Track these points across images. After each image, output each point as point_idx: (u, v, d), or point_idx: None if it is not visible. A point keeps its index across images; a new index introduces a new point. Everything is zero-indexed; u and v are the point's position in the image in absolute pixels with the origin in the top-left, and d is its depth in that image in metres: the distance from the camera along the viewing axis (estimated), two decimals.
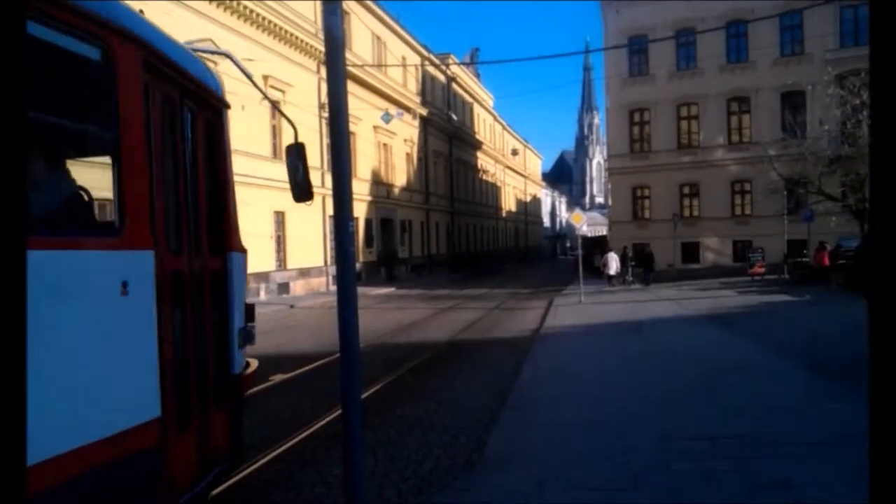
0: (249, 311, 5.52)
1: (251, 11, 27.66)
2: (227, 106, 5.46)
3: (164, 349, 3.96)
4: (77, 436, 3.18)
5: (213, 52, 8.28)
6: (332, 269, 29.14)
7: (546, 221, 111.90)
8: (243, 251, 5.54)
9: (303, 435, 7.64)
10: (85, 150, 4.06)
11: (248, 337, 5.44)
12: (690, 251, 41.19)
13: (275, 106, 9.20)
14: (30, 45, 2.78)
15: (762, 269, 32.03)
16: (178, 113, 4.51)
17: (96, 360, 3.41)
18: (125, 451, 3.51)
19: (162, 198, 4.17)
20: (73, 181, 3.82)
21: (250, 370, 5.52)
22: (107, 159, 3.72)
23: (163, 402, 3.87)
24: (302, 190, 5.35)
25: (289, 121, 5.86)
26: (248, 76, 5.96)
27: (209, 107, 5.05)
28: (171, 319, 4.19)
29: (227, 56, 6.39)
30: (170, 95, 4.39)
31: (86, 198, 3.85)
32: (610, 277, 32.82)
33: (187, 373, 4.43)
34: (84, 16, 3.41)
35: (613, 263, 32.68)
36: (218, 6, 25.83)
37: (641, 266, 34.39)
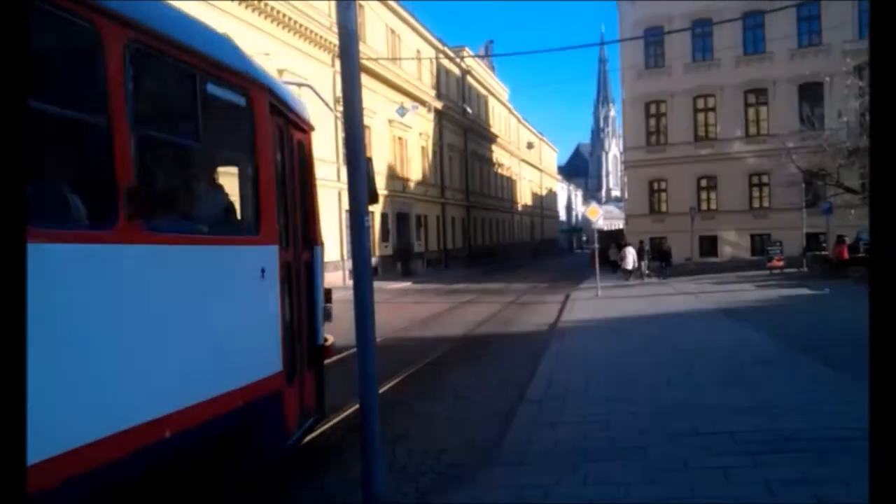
0: (327, 294, 6.75)
1: (266, 5, 27.71)
2: (313, 129, 6.95)
3: (283, 320, 5.26)
4: (245, 376, 4.63)
5: (299, 84, 10.59)
6: (349, 264, 29.21)
7: (562, 215, 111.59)
8: (322, 245, 6.86)
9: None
10: (237, 172, 5.29)
11: (327, 314, 6.73)
12: (708, 245, 40.94)
13: (332, 110, 12.07)
14: (206, 97, 4.40)
15: (780, 263, 31.78)
16: (286, 139, 5.85)
17: (250, 324, 4.86)
18: (267, 390, 4.95)
19: (279, 205, 5.40)
20: (228, 196, 5.07)
21: (329, 342, 6.78)
22: (246, 176, 5.12)
23: (282, 359, 5.20)
24: (369, 194, 6.00)
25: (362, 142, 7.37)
26: (327, 104, 8.54)
27: (303, 131, 6.49)
28: (285, 298, 5.41)
29: (310, 87, 9.16)
30: (281, 126, 5.67)
31: (237, 208, 5.11)
32: (627, 271, 32.74)
33: (294, 339, 5.77)
34: (237, 75, 4.80)
35: (630, 257, 32.63)
36: (234, 0, 25.90)
37: (659, 260, 34.30)
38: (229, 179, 5.15)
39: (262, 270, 4.91)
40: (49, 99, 3.24)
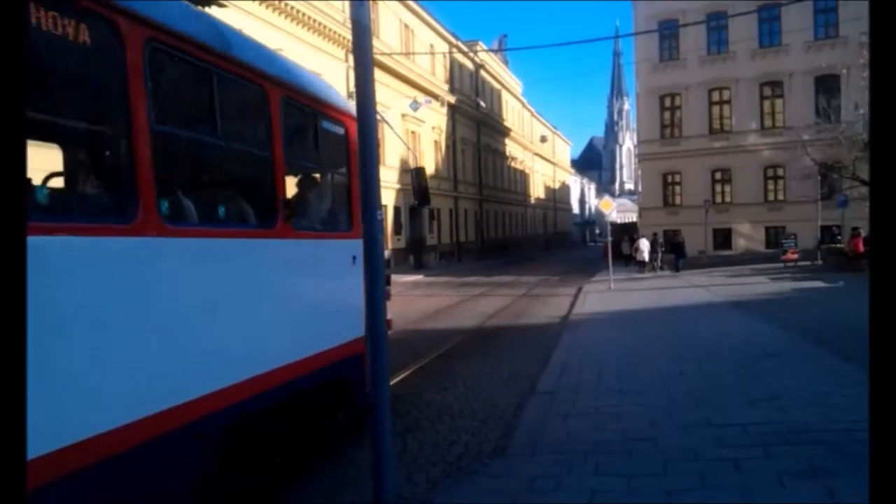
0: (387, 278, 7.80)
1: (281, 2, 27.78)
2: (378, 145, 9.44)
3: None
4: (345, 335, 6.43)
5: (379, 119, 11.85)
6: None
7: (575, 208, 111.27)
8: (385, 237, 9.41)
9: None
10: (336, 183, 6.98)
11: (387, 295, 7.82)
12: (722, 238, 40.78)
13: (405, 143, 14.37)
14: (325, 133, 6.29)
15: (795, 256, 31.59)
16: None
17: (347, 297, 6.46)
18: (356, 350, 6.57)
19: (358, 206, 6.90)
20: (332, 201, 6.82)
21: (390, 317, 7.80)
22: (342, 186, 6.91)
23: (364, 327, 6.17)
24: (423, 198, 8.51)
25: (415, 154, 11.21)
26: (397, 134, 11.87)
27: None
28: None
29: (383, 120, 10.64)
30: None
31: (340, 214, 6.82)
32: (641, 264, 32.75)
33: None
34: (341, 111, 6.68)
35: (645, 249, 32.68)
36: None
37: (673, 253, 34.24)
38: (331, 188, 6.97)
39: (353, 258, 6.52)
40: (244, 143, 5.35)
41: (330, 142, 6.69)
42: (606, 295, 22.23)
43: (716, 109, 42.01)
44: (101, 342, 3.47)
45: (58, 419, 3.13)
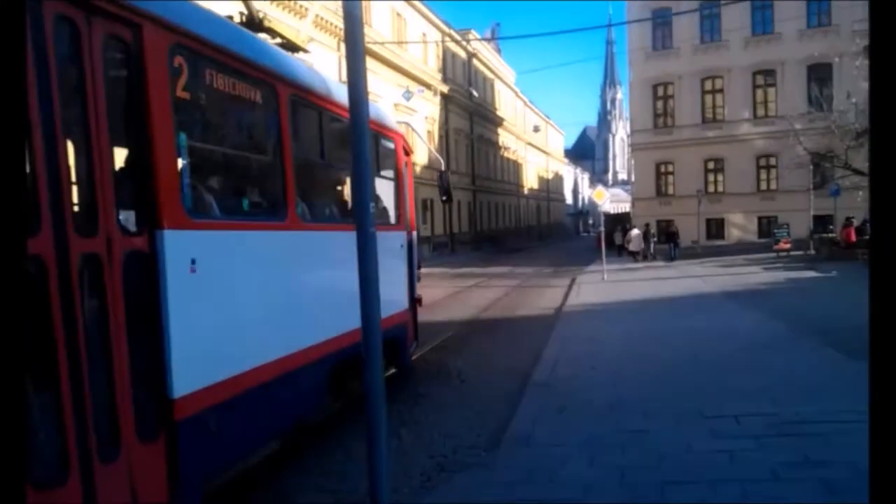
0: (419, 263, 10.38)
1: None
2: (412, 153, 11.34)
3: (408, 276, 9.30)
4: (401, 305, 8.98)
5: (404, 123, 14.01)
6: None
7: (568, 198, 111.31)
8: (415, 229, 10.67)
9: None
10: (390, 188, 9.03)
11: (419, 277, 10.34)
12: (715, 227, 40.85)
13: (431, 148, 15.84)
14: (386, 150, 8.82)
15: (788, 245, 31.68)
16: (406, 163, 9.82)
17: (401, 275, 9.08)
18: (406, 317, 9.28)
19: (405, 204, 9.33)
20: (385, 202, 8.77)
21: (419, 295, 10.38)
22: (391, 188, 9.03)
23: (410, 300, 9.60)
24: (448, 196, 11.14)
25: (440, 157, 14.49)
26: (422, 139, 20.83)
27: (407, 153, 10.07)
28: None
29: (408, 125, 13.76)
30: (404, 153, 9.62)
31: (390, 210, 8.88)
32: (633, 254, 32.88)
33: (412, 290, 9.82)
34: (393, 131, 9.00)
35: (636, 239, 32.88)
36: None
37: (667, 242, 34.40)
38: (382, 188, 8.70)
39: (402, 246, 9.17)
40: (343, 165, 7.18)
41: (385, 153, 8.89)
42: (600, 286, 22.26)
43: (709, 98, 41.98)
44: (288, 299, 5.86)
45: (266, 344, 5.42)
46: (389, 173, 8.92)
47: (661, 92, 42.93)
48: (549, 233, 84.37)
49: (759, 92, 40.68)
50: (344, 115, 6.08)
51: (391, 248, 8.54)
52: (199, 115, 5.13)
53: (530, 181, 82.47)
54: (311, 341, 6.15)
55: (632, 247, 34.10)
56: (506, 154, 70.11)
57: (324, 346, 6.38)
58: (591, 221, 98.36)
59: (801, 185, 33.20)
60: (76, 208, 3.74)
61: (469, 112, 56.66)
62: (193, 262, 4.41)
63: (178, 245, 4.27)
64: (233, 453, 5.18)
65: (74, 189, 3.74)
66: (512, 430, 6.74)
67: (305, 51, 8.29)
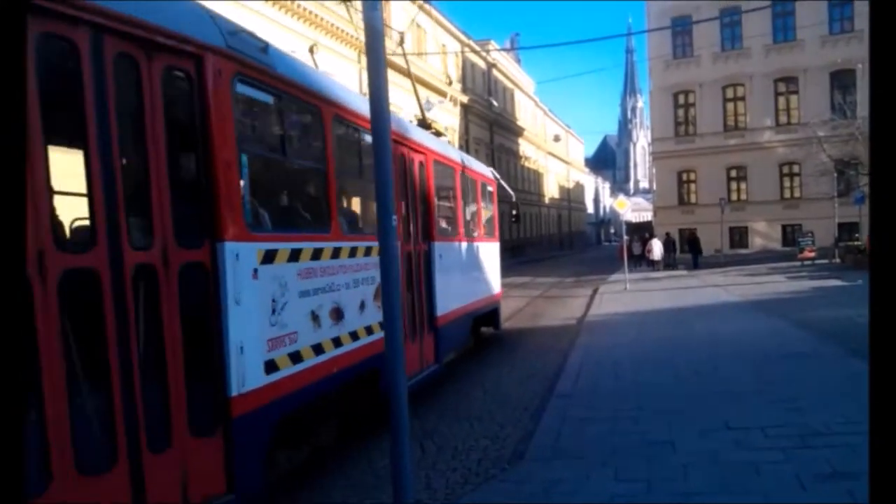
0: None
1: (291, 2, 27.85)
2: (496, 181, 15.08)
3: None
4: (495, 289, 13.97)
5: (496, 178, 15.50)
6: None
7: (590, 207, 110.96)
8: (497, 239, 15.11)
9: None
10: (492, 215, 14.31)
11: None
12: (738, 236, 40.54)
13: (503, 183, 16.14)
14: (485, 190, 13.75)
15: (812, 254, 31.34)
16: (486, 189, 14.22)
17: (496, 270, 14.11)
18: (498, 298, 14.33)
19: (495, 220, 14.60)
20: (491, 224, 14.21)
21: (501, 290, 14.69)
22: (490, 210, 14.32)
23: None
24: (517, 219, 17.23)
25: (508, 189, 17.42)
26: (507, 188, 16.75)
27: (488, 181, 14.37)
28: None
29: (496, 177, 14.98)
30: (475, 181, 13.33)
31: (495, 230, 14.60)
32: (653, 262, 32.83)
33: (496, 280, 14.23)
34: (491, 179, 14.35)
35: (657, 248, 32.88)
36: None
37: (689, 251, 34.28)
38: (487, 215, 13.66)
39: (498, 251, 14.00)
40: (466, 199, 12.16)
41: (488, 194, 13.96)
42: (622, 296, 22.15)
43: (730, 106, 41.73)
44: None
45: (447, 301, 9.94)
46: (491, 207, 14.21)
47: (681, 100, 42.75)
48: (571, 242, 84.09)
49: (782, 99, 40.39)
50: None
51: (494, 253, 14.21)
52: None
53: (551, 190, 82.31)
54: (466, 301, 11.40)
55: (653, 255, 34.09)
56: (526, 164, 70.04)
57: (469, 306, 11.60)
58: (612, 230, 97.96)
59: (825, 192, 32.87)
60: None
61: (489, 122, 56.71)
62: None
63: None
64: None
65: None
66: (536, 441, 6.71)
67: (443, 134, 12.74)
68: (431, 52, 43.03)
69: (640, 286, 25.03)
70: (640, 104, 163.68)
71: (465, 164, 12.07)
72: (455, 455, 6.75)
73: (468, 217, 12.12)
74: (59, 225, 4.05)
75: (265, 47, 5.47)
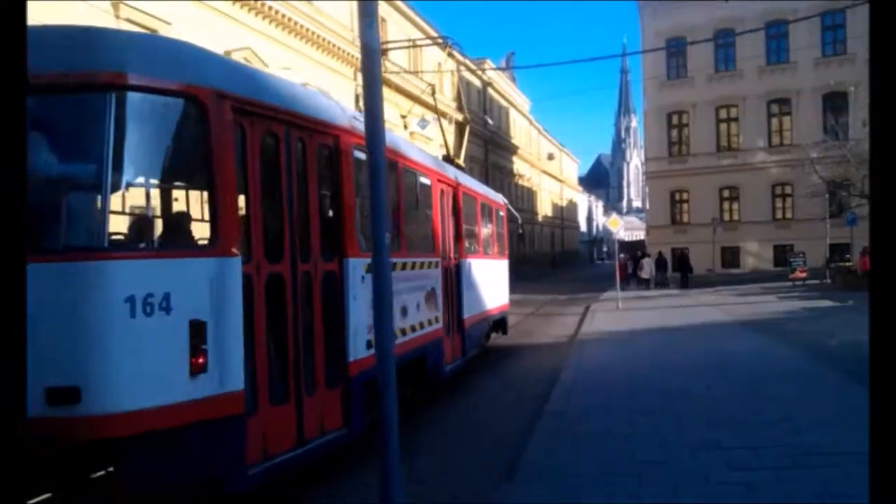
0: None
1: (289, 20, 27.95)
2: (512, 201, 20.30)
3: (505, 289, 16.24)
4: (502, 301, 15.83)
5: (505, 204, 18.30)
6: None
7: (583, 226, 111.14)
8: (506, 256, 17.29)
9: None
10: (503, 237, 17.26)
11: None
12: (730, 256, 40.70)
13: (510, 207, 18.96)
14: (498, 216, 16.50)
15: (804, 274, 31.48)
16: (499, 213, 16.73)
17: (504, 285, 16.29)
18: (505, 308, 16.27)
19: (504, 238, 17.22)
20: (502, 245, 16.85)
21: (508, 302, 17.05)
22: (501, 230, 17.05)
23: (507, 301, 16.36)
24: (522, 239, 31.29)
25: (516, 213, 21.43)
26: (515, 214, 20.62)
27: (500, 206, 17.15)
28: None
29: (506, 204, 17.65)
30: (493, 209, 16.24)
31: (505, 250, 17.37)
32: (645, 280, 33.00)
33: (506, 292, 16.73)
34: (503, 205, 17.37)
35: (647, 267, 33.15)
36: (256, 14, 26.16)
37: (679, 270, 34.40)
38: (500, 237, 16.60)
39: (507, 266, 16.71)
40: (487, 221, 15.06)
41: (500, 219, 16.39)
42: (615, 314, 22.17)
43: (723, 127, 42.03)
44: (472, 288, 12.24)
45: (470, 308, 12.42)
46: (502, 229, 16.74)
47: (675, 120, 43.04)
48: (564, 260, 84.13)
49: (775, 120, 40.72)
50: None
51: (505, 268, 16.56)
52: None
53: (544, 208, 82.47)
54: (484, 308, 13.77)
55: (644, 274, 34.32)
56: (520, 182, 70.22)
57: (487, 312, 14.08)
58: (605, 249, 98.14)
59: (817, 213, 33.09)
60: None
61: (484, 140, 56.88)
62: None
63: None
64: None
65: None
66: (527, 459, 6.69)
67: (461, 166, 14.66)
68: (427, 70, 43.20)
69: (633, 305, 25.06)
70: (633, 124, 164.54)
71: (484, 194, 15.11)
72: (444, 473, 6.73)
73: (485, 238, 14.76)
74: (269, 245, 5.78)
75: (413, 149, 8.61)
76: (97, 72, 4.67)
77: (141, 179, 5.15)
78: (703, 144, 41.79)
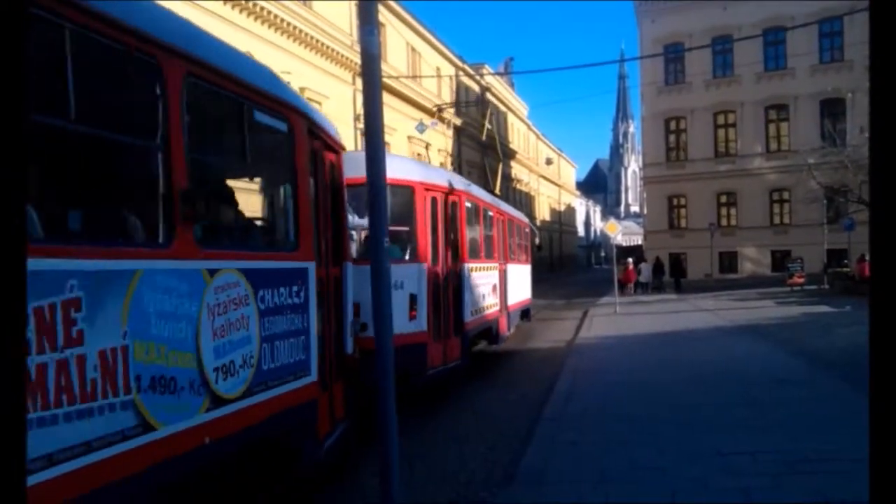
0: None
1: (288, 24, 27.98)
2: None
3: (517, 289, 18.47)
4: (528, 294, 20.69)
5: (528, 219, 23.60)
6: None
7: (580, 231, 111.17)
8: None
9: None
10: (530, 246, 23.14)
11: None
12: (728, 261, 40.72)
13: (527, 220, 22.52)
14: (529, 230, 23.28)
15: (801, 280, 31.50)
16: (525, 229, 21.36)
17: (527, 285, 20.29)
18: (529, 302, 20.71)
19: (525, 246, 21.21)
20: (525, 248, 21.52)
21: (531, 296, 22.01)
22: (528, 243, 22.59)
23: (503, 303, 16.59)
24: (539, 248, 26.34)
25: (534, 227, 27.25)
26: (534, 229, 25.67)
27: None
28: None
29: (530, 223, 23.37)
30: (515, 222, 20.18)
31: (527, 252, 21.96)
32: (643, 285, 33.15)
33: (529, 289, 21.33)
34: (525, 222, 22.23)
35: (645, 272, 33.44)
36: (255, 19, 26.19)
37: (672, 275, 34.54)
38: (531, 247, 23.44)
39: (530, 270, 21.52)
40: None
41: (520, 228, 19.73)
42: (613, 319, 22.18)
43: (721, 133, 42.11)
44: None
45: (513, 297, 16.69)
46: (528, 242, 20.91)
47: (673, 126, 43.11)
48: (561, 265, 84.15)
49: (772, 126, 40.79)
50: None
51: (529, 271, 20.63)
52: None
53: (542, 213, 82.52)
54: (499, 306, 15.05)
55: (641, 278, 34.48)
56: (518, 186, 70.26)
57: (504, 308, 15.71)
58: (603, 254, 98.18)
59: (815, 219, 33.13)
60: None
61: (482, 145, 56.94)
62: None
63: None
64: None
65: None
66: (525, 464, 6.69)
67: (499, 195, 18.98)
68: (426, 75, 43.25)
69: (630, 310, 25.07)
70: (631, 129, 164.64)
71: (520, 218, 20.39)
72: (444, 477, 6.72)
73: (520, 249, 19.17)
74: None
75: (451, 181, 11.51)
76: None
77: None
78: (701, 150, 41.86)
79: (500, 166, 26.69)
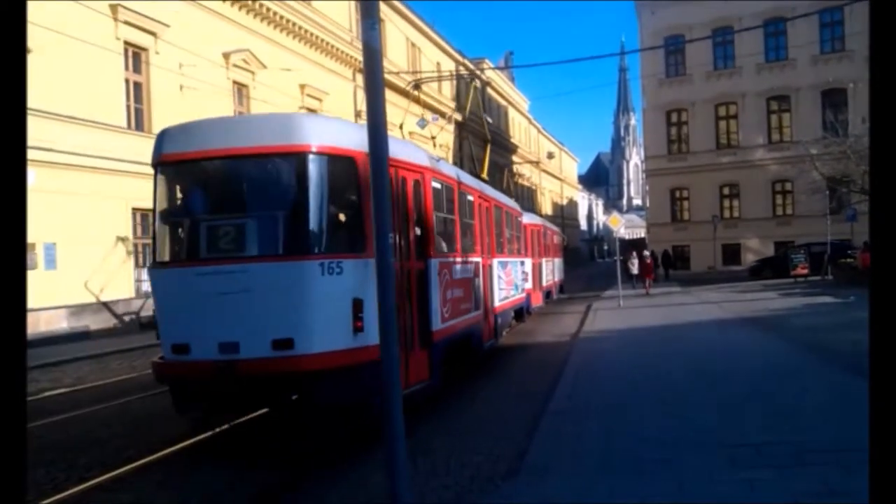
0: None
1: (288, 21, 27.98)
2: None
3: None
4: (561, 275, 33.72)
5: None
6: None
7: (583, 224, 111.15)
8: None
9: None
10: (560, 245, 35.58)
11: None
12: (731, 253, 40.70)
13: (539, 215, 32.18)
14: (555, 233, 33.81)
15: (805, 271, 31.46)
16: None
17: (562, 267, 34.47)
18: (560, 282, 33.03)
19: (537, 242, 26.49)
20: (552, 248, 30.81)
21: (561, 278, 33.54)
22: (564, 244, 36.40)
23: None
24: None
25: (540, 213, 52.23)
26: (563, 236, 42.69)
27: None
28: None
29: (558, 231, 36.83)
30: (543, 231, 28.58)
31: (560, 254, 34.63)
32: (637, 277, 33.53)
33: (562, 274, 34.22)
34: (551, 229, 32.65)
35: (636, 263, 33.99)
36: (255, 17, 26.18)
37: (662, 265, 34.71)
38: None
39: (562, 261, 35.65)
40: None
41: (553, 236, 31.51)
42: (617, 312, 22.18)
43: (723, 124, 42.06)
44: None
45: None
46: (558, 240, 32.22)
47: (674, 118, 43.06)
48: (564, 259, 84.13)
49: (774, 117, 40.74)
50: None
51: (561, 263, 32.65)
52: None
53: (545, 207, 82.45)
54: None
55: (633, 270, 34.70)
56: (520, 181, 70.19)
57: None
58: (606, 247, 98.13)
59: (818, 210, 33.08)
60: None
61: (483, 140, 56.88)
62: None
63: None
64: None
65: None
66: (530, 458, 6.69)
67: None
68: (426, 70, 43.20)
69: (634, 303, 25.07)
70: (633, 122, 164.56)
71: (549, 226, 26.09)
72: (448, 471, 6.72)
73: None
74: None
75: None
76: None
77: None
78: (703, 142, 41.82)
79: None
